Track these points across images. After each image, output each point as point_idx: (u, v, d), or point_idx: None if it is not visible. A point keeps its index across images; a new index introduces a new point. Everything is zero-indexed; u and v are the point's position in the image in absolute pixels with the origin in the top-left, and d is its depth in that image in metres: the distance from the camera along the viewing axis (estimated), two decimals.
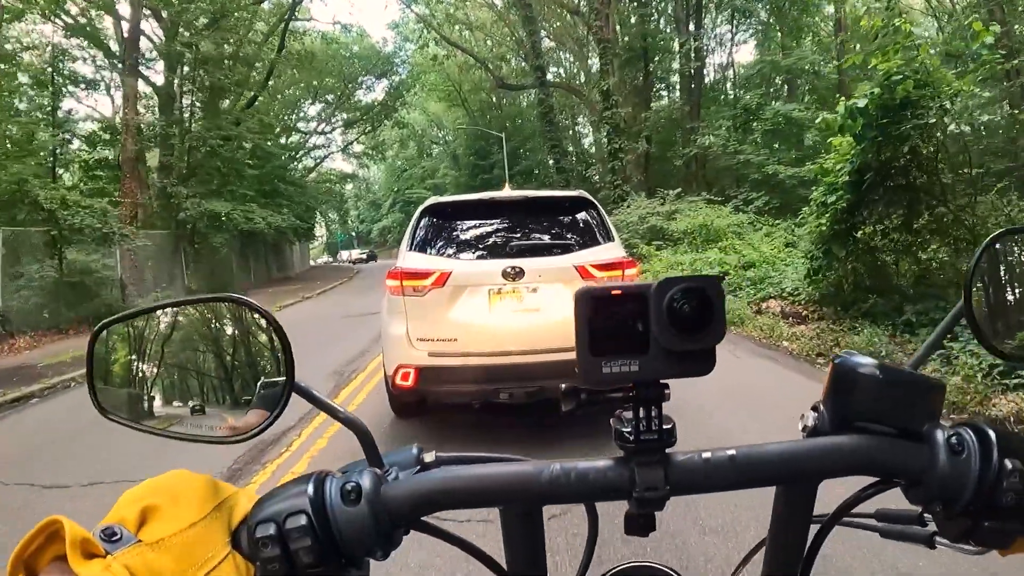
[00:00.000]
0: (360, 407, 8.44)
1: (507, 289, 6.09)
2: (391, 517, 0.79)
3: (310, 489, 0.77)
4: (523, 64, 51.57)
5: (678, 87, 44.54)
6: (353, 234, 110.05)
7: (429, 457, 0.89)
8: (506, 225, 6.77)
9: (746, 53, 42.82)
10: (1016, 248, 0.96)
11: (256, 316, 0.90)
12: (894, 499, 0.89)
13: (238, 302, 0.91)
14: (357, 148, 64.89)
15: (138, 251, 24.52)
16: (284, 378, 0.86)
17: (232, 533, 0.76)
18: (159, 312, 0.95)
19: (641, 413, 0.79)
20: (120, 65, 29.54)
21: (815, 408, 0.88)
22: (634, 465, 0.79)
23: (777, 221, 25.01)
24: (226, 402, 0.92)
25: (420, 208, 6.90)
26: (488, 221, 6.82)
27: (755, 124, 34.26)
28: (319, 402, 0.87)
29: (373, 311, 13.17)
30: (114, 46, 30.48)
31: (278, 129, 46.08)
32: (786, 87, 41.73)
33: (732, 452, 0.80)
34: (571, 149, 51.38)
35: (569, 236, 6.67)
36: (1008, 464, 0.74)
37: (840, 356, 0.86)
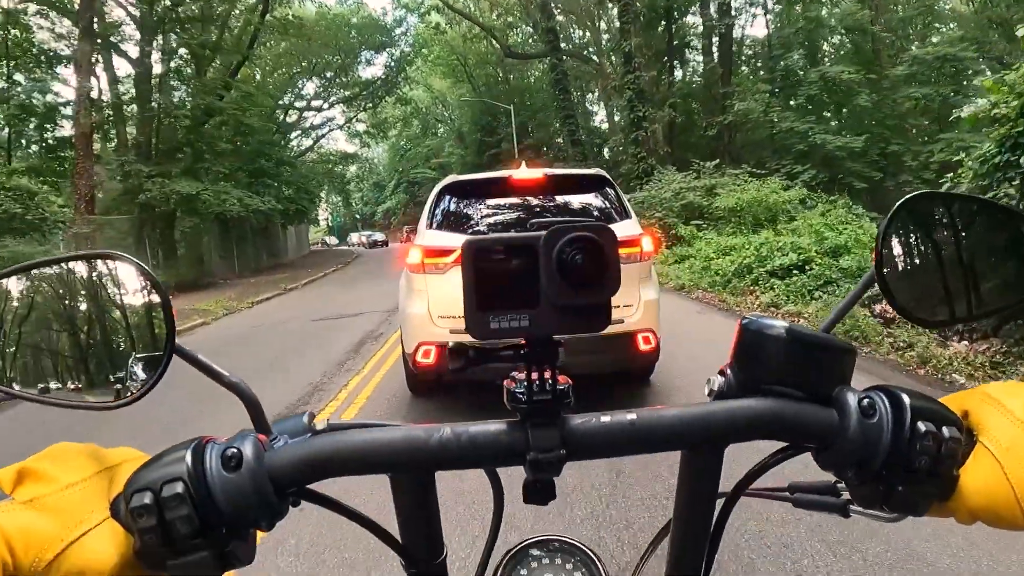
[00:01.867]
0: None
1: None
2: (275, 485, 0.73)
3: (188, 456, 0.72)
4: (531, 36, 50.57)
5: (700, 54, 41.46)
6: (357, 217, 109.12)
7: (320, 425, 0.82)
8: (524, 203, 6.84)
9: (760, 27, 39.12)
10: (931, 211, 0.94)
11: (134, 272, 0.83)
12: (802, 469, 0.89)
13: (111, 257, 0.83)
14: (358, 127, 62.76)
15: (92, 239, 21.89)
16: (166, 339, 0.79)
17: (112, 502, 0.71)
18: (34, 271, 0.86)
19: (534, 373, 0.75)
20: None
21: (722, 372, 0.83)
22: (528, 427, 0.75)
23: (832, 197, 22.03)
24: (102, 366, 0.86)
25: (438, 187, 7.02)
26: (506, 199, 6.88)
27: (798, 88, 30.93)
28: (203, 366, 0.80)
29: (355, 311, 13.94)
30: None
31: (271, 105, 43.56)
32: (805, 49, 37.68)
33: (633, 416, 0.77)
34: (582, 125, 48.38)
35: (587, 212, 6.74)
36: (921, 427, 0.72)
37: (747, 317, 0.82)
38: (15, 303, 0.86)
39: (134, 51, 29.98)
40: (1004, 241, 0.95)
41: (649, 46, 36.06)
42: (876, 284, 0.82)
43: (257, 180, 35.52)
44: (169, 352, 0.78)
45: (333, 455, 0.76)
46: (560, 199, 6.89)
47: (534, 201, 6.86)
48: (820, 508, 0.88)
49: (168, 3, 28.05)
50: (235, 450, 0.73)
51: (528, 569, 1.05)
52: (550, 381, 0.75)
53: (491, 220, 6.78)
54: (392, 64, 54.28)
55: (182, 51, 31.04)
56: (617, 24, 36.03)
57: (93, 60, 27.38)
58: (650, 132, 31.64)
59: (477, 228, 6.67)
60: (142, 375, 0.81)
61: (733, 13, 36.34)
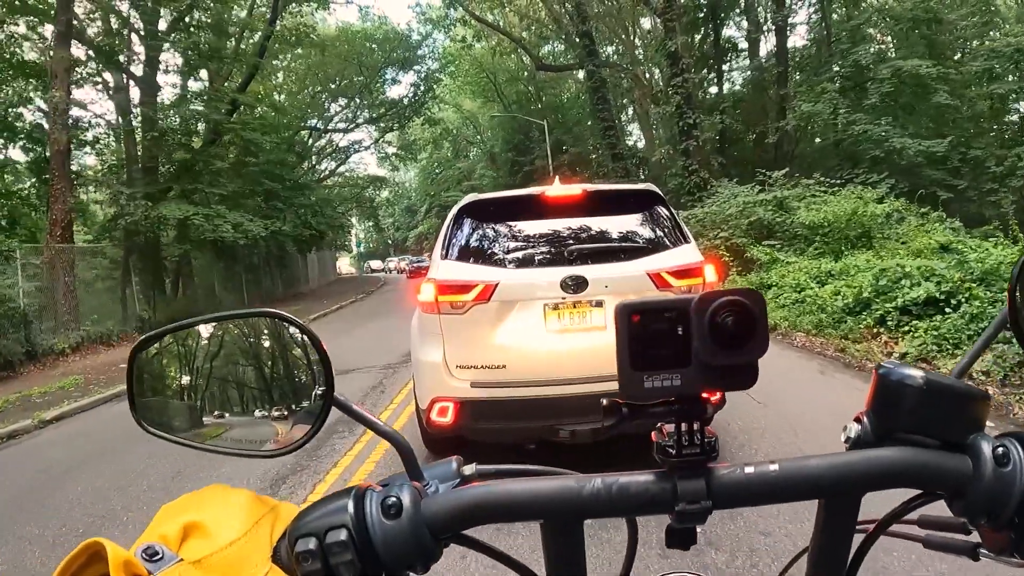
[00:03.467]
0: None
1: (566, 303, 5.52)
2: (431, 531, 0.80)
3: (350, 504, 0.79)
4: (563, 53, 49.71)
5: (747, 58, 38.71)
6: (389, 242, 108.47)
7: (469, 470, 0.90)
8: (561, 226, 6.01)
9: (797, 37, 36.41)
10: None
11: (294, 330, 0.94)
12: (939, 509, 0.90)
13: (275, 316, 0.94)
14: (387, 149, 62.02)
15: (66, 269, 20.09)
16: (324, 391, 0.89)
17: (273, 548, 0.80)
18: (200, 327, 0.97)
19: (683, 427, 0.81)
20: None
21: (858, 419, 0.87)
22: (676, 479, 0.80)
23: (923, 209, 19.12)
24: (266, 416, 0.95)
25: (456, 207, 6.25)
26: (539, 221, 6.04)
27: (869, 86, 27.46)
28: (359, 416, 0.89)
29: (349, 366, 12.38)
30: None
31: (284, 122, 40.91)
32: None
33: (775, 467, 0.80)
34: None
35: (637, 237, 6.04)
36: None
37: (884, 366, 0.85)
38: (176, 357, 0.98)
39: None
40: None
41: (692, 51, 33.71)
42: (1008, 326, 0.83)
43: (267, 203, 33.06)
44: (328, 403, 0.87)
45: (487, 504, 0.80)
46: (603, 221, 6.11)
47: (572, 224, 6.03)
48: (950, 550, 0.89)
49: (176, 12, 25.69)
50: (395, 499, 0.79)
51: None
52: (698, 435, 0.80)
53: (520, 248, 5.99)
54: (419, 83, 52.39)
55: (180, 62, 28.85)
56: (650, 35, 35.55)
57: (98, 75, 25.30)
58: (701, 141, 28.97)
59: (503, 258, 5.89)
60: (304, 423, 0.89)
61: (787, 6, 33.17)
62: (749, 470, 0.80)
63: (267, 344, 0.98)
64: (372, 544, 0.77)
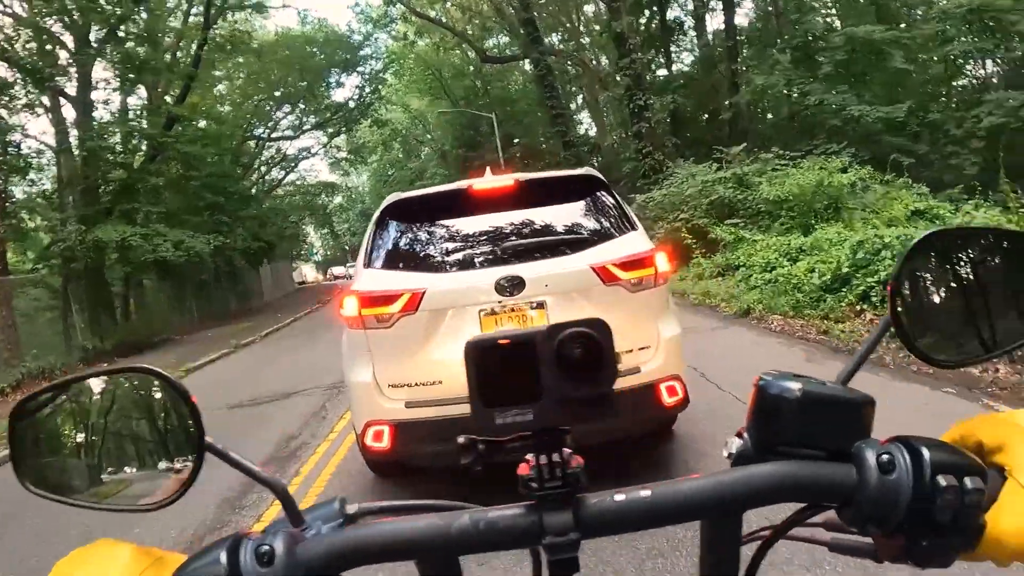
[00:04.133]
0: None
1: (504, 308, 5.04)
2: None
3: (223, 556, 0.79)
4: (508, 46, 49.68)
5: (694, 37, 38.68)
6: (347, 248, 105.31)
7: (352, 509, 0.88)
8: (494, 222, 5.55)
9: (741, 16, 36.21)
10: (944, 250, 0.96)
11: (161, 383, 0.93)
12: None
13: (142, 371, 0.94)
14: (337, 154, 62.02)
15: (1, 301, 19.56)
16: (196, 442, 0.88)
17: None
18: (74, 386, 0.98)
19: (543, 460, 0.80)
20: None
21: (739, 435, 0.87)
22: (543, 512, 0.80)
23: (887, 177, 19.07)
24: (143, 470, 0.95)
25: (379, 210, 5.80)
26: (470, 218, 5.59)
27: (821, 56, 27.46)
28: (235, 462, 0.87)
29: (291, 388, 11.81)
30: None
31: (221, 132, 39.34)
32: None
33: (647, 492, 0.81)
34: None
35: (578, 228, 5.56)
36: (941, 481, 0.74)
37: (763, 378, 0.85)
38: (56, 416, 0.98)
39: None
40: None
41: (639, 32, 33.12)
42: (894, 328, 0.86)
43: (212, 218, 32.18)
44: (200, 452, 0.86)
45: (360, 546, 0.81)
46: (540, 213, 5.65)
47: (506, 219, 5.59)
48: (855, 553, 0.88)
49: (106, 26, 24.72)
50: (268, 547, 0.78)
51: None
52: (559, 468, 0.79)
53: (450, 249, 5.53)
54: (364, 84, 52.00)
55: (115, 79, 27.76)
56: (595, 19, 35.43)
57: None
58: (653, 123, 28.79)
59: (431, 262, 5.43)
60: (179, 475, 0.88)
61: None
62: (620, 497, 0.80)
63: (140, 399, 0.98)
64: None
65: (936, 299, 0.94)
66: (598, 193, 5.78)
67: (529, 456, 0.81)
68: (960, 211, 13.41)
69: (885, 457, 0.77)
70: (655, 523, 0.80)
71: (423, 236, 5.72)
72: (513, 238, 5.48)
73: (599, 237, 5.47)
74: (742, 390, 6.95)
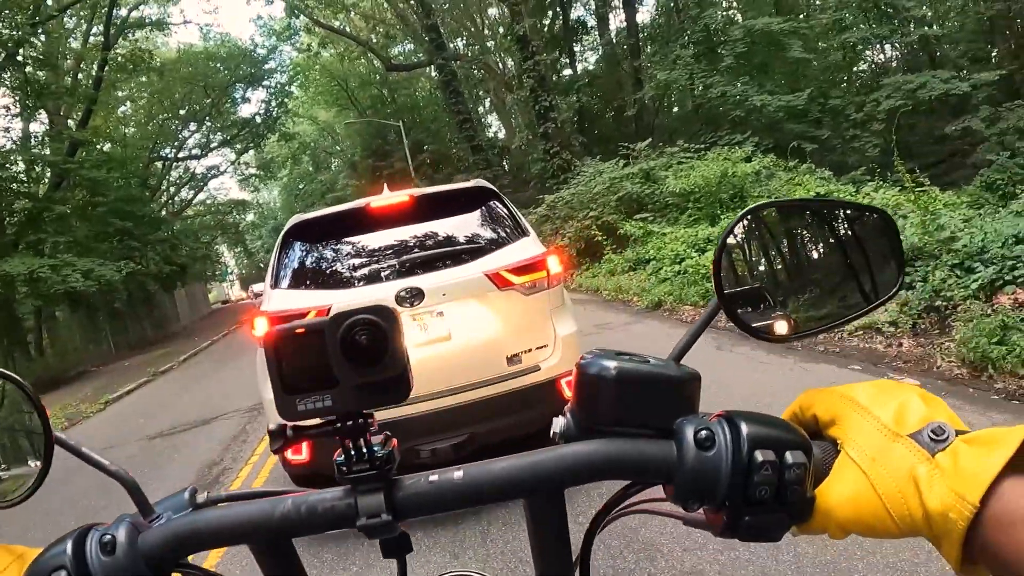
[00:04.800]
0: None
1: (407, 317, 5.11)
2: (148, 564, 0.82)
3: (69, 546, 0.81)
4: (413, 54, 48.43)
5: (596, 35, 39.03)
6: (261, 265, 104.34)
7: (202, 498, 0.90)
8: (393, 237, 5.80)
9: (644, 13, 36.63)
10: (772, 224, 0.97)
11: (5, 384, 0.92)
12: None
13: None
14: (246, 171, 60.65)
15: None
16: (43, 437, 0.88)
17: None
18: None
19: (350, 444, 0.82)
20: None
21: (563, 414, 0.88)
22: (356, 495, 0.82)
23: (791, 163, 19.45)
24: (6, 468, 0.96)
25: (283, 232, 5.92)
26: (370, 234, 5.80)
27: (721, 50, 27.77)
28: (83, 455, 0.90)
29: (209, 413, 11.62)
30: None
31: (127, 156, 38.88)
32: None
33: (460, 473, 0.82)
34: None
35: (473, 238, 5.79)
36: (759, 456, 0.74)
37: (584, 358, 0.85)
38: None
39: None
40: (861, 243, 0.94)
41: (542, 33, 33.45)
42: (722, 307, 0.86)
43: (121, 243, 31.48)
44: (49, 448, 0.87)
45: (194, 533, 0.83)
46: (436, 225, 5.86)
47: (404, 233, 5.80)
48: (699, 525, 0.88)
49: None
50: (110, 536, 0.81)
51: None
52: (365, 451, 0.81)
53: (353, 266, 5.69)
54: (270, 98, 51.35)
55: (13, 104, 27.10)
56: (497, 22, 35.52)
57: None
58: (560, 123, 28.91)
59: (336, 279, 5.60)
60: (32, 472, 0.89)
61: None
62: (433, 478, 0.82)
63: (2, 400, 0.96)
64: None
65: (759, 273, 0.95)
66: (491, 203, 6.02)
67: (340, 440, 0.82)
68: (860, 193, 13.60)
69: (704, 433, 0.76)
70: (469, 503, 0.81)
71: (327, 254, 5.91)
72: (411, 251, 5.69)
73: (493, 245, 5.69)
74: None
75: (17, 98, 26.37)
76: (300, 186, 77.33)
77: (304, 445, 4.95)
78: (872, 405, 0.73)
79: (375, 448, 0.81)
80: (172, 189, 54.18)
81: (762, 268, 0.95)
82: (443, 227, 5.90)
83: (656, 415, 0.80)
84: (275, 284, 5.66)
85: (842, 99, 27.41)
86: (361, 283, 5.60)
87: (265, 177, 63.66)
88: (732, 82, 25.89)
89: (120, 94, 40.13)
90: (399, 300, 5.19)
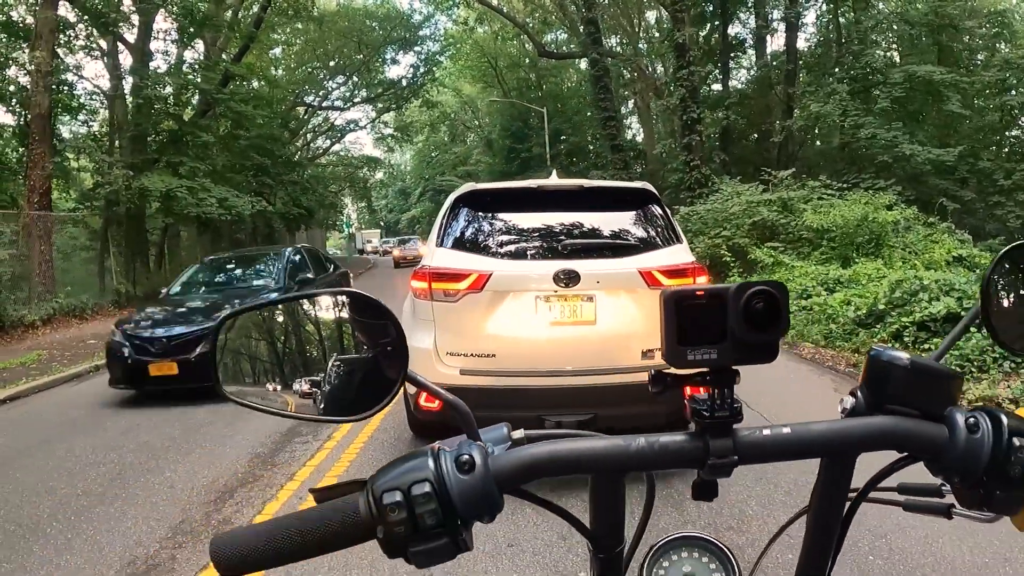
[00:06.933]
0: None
1: (558, 296, 5.64)
2: (498, 485, 0.90)
3: (430, 461, 0.89)
4: (566, 42, 49.15)
5: (753, 53, 38.07)
6: (381, 224, 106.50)
7: (518, 435, 0.99)
8: (556, 220, 6.18)
9: (802, 40, 35.76)
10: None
11: (372, 307, 1.01)
12: (915, 477, 1.07)
13: (353, 295, 1.03)
14: (384, 130, 60.75)
15: (44, 238, 19.48)
16: (398, 364, 0.98)
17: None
18: (281, 305, 1.13)
19: (716, 393, 0.94)
20: None
21: (853, 393, 1.00)
22: (708, 437, 0.92)
23: (931, 219, 18.81)
24: (341, 386, 1.04)
25: (453, 196, 6.41)
26: (535, 214, 6.22)
27: (878, 91, 26.83)
28: (427, 387, 1.00)
29: None
30: None
31: (277, 95, 39.72)
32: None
33: (787, 429, 0.94)
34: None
35: (630, 235, 6.16)
36: (1016, 442, 0.88)
37: (875, 348, 0.99)
38: (260, 336, 1.10)
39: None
40: None
41: (699, 45, 32.83)
42: (980, 319, 1.03)
43: (256, 179, 32.23)
44: (402, 377, 0.98)
45: (549, 460, 0.92)
46: (597, 217, 6.23)
47: (567, 218, 6.17)
48: (927, 511, 1.07)
49: None
50: (467, 456, 0.89)
51: (670, 561, 1.20)
52: (728, 401, 0.93)
53: (515, 240, 6.09)
54: (419, 64, 51.47)
55: (174, 30, 27.68)
56: (654, 27, 35.69)
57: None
58: (704, 137, 28.52)
59: (497, 249, 5.98)
60: (379, 393, 0.98)
61: (799, 1, 32.20)
62: (767, 432, 0.93)
63: (345, 320, 1.06)
64: (450, 495, 0.86)
65: (1019, 300, 1.09)
66: (650, 206, 6.33)
67: (698, 391, 0.95)
68: None
69: (972, 420, 0.90)
70: (792, 455, 0.93)
71: (491, 225, 6.23)
72: (572, 237, 6.01)
73: (647, 245, 6.00)
74: (771, 412, 7.10)
75: (178, 24, 27.01)
76: (433, 154, 78.36)
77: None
78: None
79: (735, 400, 0.94)
80: (310, 136, 55.12)
81: (1014, 293, 1.10)
82: (604, 220, 6.24)
83: (930, 402, 0.94)
84: (440, 243, 6.06)
85: (992, 162, 26.30)
86: (521, 257, 5.97)
87: (401, 139, 64.10)
88: (884, 125, 24.87)
89: (276, 36, 40.93)
90: (556, 279, 5.54)
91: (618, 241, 6.09)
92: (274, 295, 8.70)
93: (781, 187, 21.31)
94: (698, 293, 0.93)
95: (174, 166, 24.64)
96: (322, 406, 1.02)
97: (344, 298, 1.05)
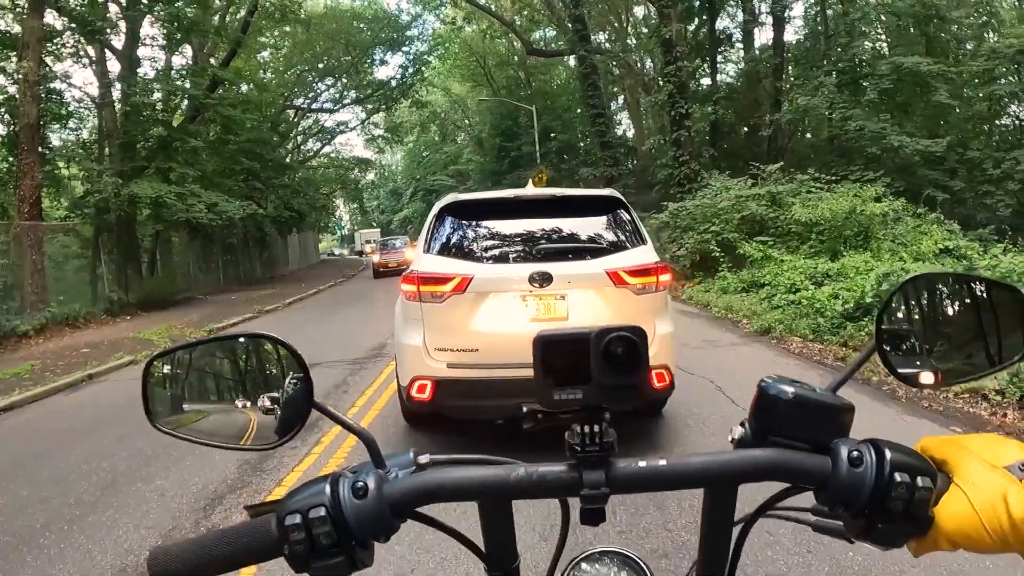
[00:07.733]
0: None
1: (534, 295, 6.14)
2: (391, 509, 0.97)
3: (327, 488, 0.96)
4: (554, 40, 49.32)
5: (741, 48, 38.02)
6: (373, 224, 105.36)
7: (423, 459, 1.06)
8: (532, 226, 6.69)
9: (790, 34, 35.72)
10: (928, 290, 1.18)
11: (279, 347, 1.11)
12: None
13: (263, 338, 1.14)
14: (374, 131, 61.86)
15: (35, 248, 19.38)
16: (305, 397, 1.07)
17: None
18: (201, 347, 1.19)
19: (585, 429, 0.98)
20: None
21: (742, 424, 1.05)
22: (582, 469, 0.98)
23: (919, 210, 18.83)
24: (255, 418, 1.11)
25: (437, 207, 6.95)
26: (512, 221, 6.72)
27: (866, 83, 26.80)
28: (334, 416, 1.06)
29: (324, 360, 11.78)
30: None
31: (264, 99, 39.74)
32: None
33: (663, 461, 0.99)
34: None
35: (599, 239, 6.64)
36: (897, 477, 0.90)
37: (764, 381, 1.03)
38: (186, 374, 1.18)
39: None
40: (996, 312, 1.11)
41: (686, 40, 32.86)
42: (878, 353, 1.06)
43: (247, 183, 32.39)
44: (309, 406, 1.06)
45: (436, 487, 0.99)
46: (569, 223, 6.78)
47: (542, 225, 6.72)
48: (833, 533, 1.06)
49: None
50: (362, 483, 0.96)
51: None
52: (598, 436, 0.97)
53: (495, 246, 6.60)
54: (407, 65, 51.68)
55: (162, 36, 27.84)
56: (643, 22, 35.66)
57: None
58: (693, 132, 28.45)
59: (479, 255, 6.51)
60: (289, 425, 1.07)
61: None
62: (642, 464, 0.98)
63: (255, 358, 1.17)
64: (344, 518, 0.94)
65: (915, 332, 1.12)
66: (618, 211, 6.78)
67: (575, 425, 0.98)
68: (988, 253, 13.24)
69: (855, 453, 0.94)
70: (668, 487, 0.98)
71: (474, 232, 6.71)
72: (546, 241, 6.54)
73: (614, 247, 6.48)
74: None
75: (166, 30, 27.10)
76: (424, 153, 78.85)
77: (429, 386, 6.16)
78: (978, 449, 0.92)
79: (606, 435, 0.98)
80: (300, 138, 55.40)
81: (909, 326, 1.13)
82: (575, 225, 6.74)
83: (818, 434, 0.98)
84: (427, 249, 6.52)
85: (980, 152, 26.07)
86: (500, 261, 6.42)
87: (392, 140, 64.47)
88: (872, 117, 24.93)
89: (264, 40, 40.91)
90: (531, 280, 6.05)
91: (588, 244, 6.56)
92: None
93: (770, 181, 21.34)
94: (565, 337, 0.98)
95: (164, 172, 24.79)
96: (242, 435, 1.11)
97: (258, 340, 1.16)
